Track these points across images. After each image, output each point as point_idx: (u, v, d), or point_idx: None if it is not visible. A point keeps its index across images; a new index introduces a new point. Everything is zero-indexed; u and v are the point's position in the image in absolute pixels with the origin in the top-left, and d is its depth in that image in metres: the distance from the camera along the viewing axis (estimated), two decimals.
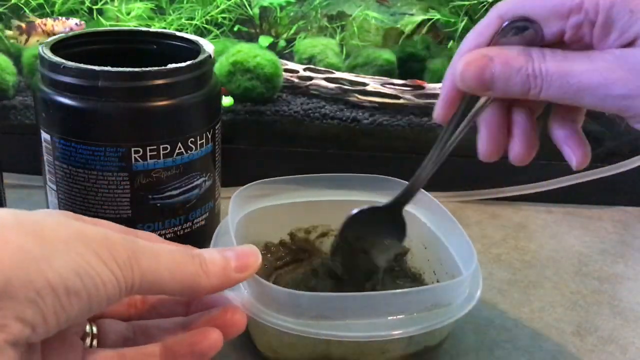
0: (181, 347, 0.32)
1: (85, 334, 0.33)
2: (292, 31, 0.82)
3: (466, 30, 0.73)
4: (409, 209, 0.49)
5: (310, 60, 0.73)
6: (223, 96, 0.66)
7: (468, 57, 0.33)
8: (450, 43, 0.76)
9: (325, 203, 0.50)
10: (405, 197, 0.42)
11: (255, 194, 0.48)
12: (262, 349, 0.41)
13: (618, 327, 0.49)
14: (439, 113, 0.38)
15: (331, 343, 0.38)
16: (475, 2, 0.70)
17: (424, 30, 0.81)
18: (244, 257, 0.33)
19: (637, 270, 0.58)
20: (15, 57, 0.68)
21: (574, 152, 0.35)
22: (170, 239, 0.46)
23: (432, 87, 0.67)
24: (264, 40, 0.78)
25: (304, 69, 0.70)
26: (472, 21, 0.73)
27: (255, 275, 0.35)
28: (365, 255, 0.44)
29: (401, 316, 0.37)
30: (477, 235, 0.62)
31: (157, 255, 0.30)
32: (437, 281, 0.47)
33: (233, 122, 0.65)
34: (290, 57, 0.76)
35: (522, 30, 0.32)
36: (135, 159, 0.44)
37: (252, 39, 0.80)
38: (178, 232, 0.48)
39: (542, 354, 0.46)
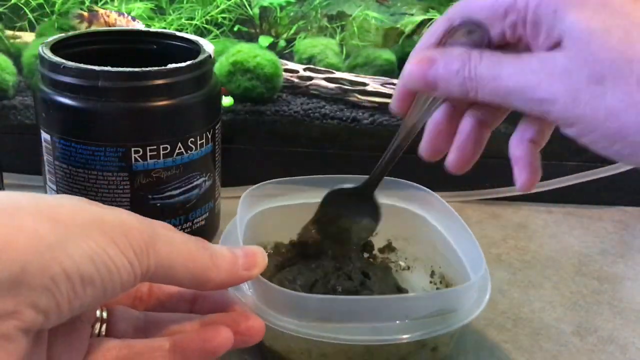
0: (191, 342, 0.32)
1: (95, 319, 0.33)
2: (292, 31, 0.82)
3: None
4: (418, 211, 0.49)
5: (310, 60, 0.74)
6: (223, 96, 0.66)
7: (416, 57, 0.34)
8: None
9: None
10: (372, 182, 0.44)
11: (265, 193, 0.48)
12: (266, 342, 0.41)
13: (618, 327, 0.49)
14: (393, 105, 0.38)
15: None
16: None
17: (424, 30, 0.81)
18: (251, 256, 0.33)
19: (637, 270, 0.58)
20: (15, 57, 0.68)
21: (520, 174, 0.35)
22: None
23: None
24: (264, 40, 0.78)
25: (304, 69, 0.70)
26: None
27: (259, 276, 0.35)
28: (340, 232, 0.45)
29: (407, 321, 0.37)
30: (477, 235, 0.61)
31: (172, 242, 0.29)
32: (442, 280, 0.47)
33: (233, 122, 0.65)
34: (290, 57, 0.76)
35: (471, 33, 0.33)
36: (135, 159, 0.44)
37: (252, 39, 0.80)
38: None
39: (542, 354, 0.46)
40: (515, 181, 0.36)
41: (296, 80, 0.69)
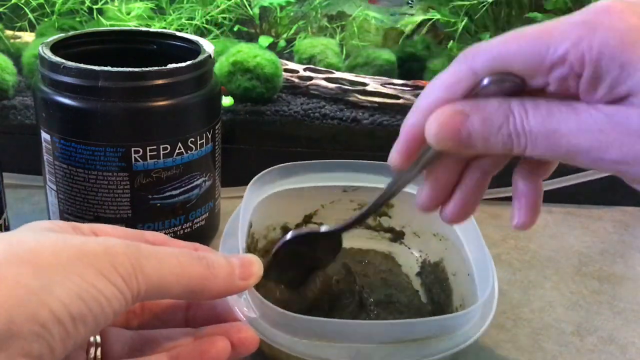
0: (189, 355, 0.31)
1: (89, 344, 0.32)
2: (292, 31, 0.82)
3: (466, 30, 0.73)
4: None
5: (310, 60, 0.73)
6: (223, 96, 0.66)
7: (440, 115, 0.29)
8: (450, 43, 0.76)
9: (341, 188, 0.50)
10: (345, 228, 0.40)
11: (274, 177, 0.48)
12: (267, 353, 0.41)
13: (618, 327, 0.49)
14: (395, 161, 0.33)
15: None
16: (475, 2, 0.70)
17: (424, 30, 0.81)
18: (248, 266, 0.33)
19: (637, 270, 0.58)
20: (15, 57, 0.68)
21: (519, 211, 0.33)
22: None
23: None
24: (264, 40, 0.78)
25: (304, 69, 0.70)
26: (472, 21, 0.73)
27: (254, 290, 0.35)
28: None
29: (401, 344, 0.36)
30: None
31: (161, 259, 0.29)
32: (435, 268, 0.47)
33: (233, 122, 0.65)
34: (290, 57, 0.76)
35: (500, 82, 0.28)
36: (135, 159, 0.44)
37: (252, 39, 0.80)
38: (178, 232, 0.48)
39: (542, 354, 0.46)
40: (512, 218, 0.33)
41: (296, 80, 0.69)
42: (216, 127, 0.49)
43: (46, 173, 0.47)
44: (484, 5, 0.69)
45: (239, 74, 0.65)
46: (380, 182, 0.49)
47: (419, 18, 0.80)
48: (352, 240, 0.51)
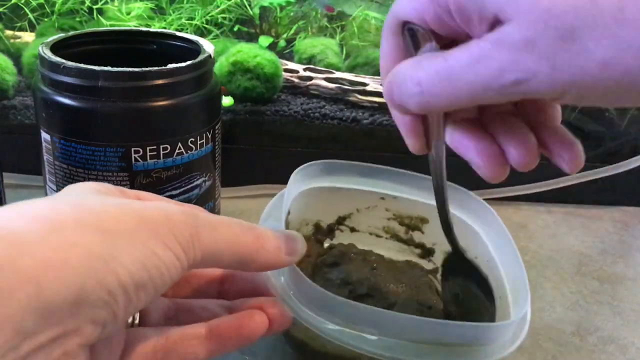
0: (227, 328, 0.31)
1: None
2: (292, 31, 0.82)
3: None
4: (473, 224, 0.46)
5: (310, 60, 0.73)
6: (223, 96, 0.66)
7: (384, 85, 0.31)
8: None
9: (379, 195, 0.50)
10: (451, 239, 0.40)
11: (316, 172, 0.47)
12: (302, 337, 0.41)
13: (618, 327, 0.49)
14: (413, 146, 0.35)
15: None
16: None
17: None
18: (292, 242, 0.33)
19: (637, 270, 0.58)
20: (15, 57, 0.68)
21: (559, 154, 0.31)
22: None
23: None
24: (264, 40, 0.78)
25: (304, 69, 0.70)
26: None
27: (295, 266, 0.34)
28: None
29: (433, 346, 0.35)
30: None
31: (216, 228, 0.29)
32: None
33: (233, 122, 0.65)
34: (290, 57, 0.76)
35: (414, 32, 0.30)
36: (135, 159, 0.44)
37: (252, 39, 0.80)
38: None
39: (542, 354, 0.46)
40: (560, 166, 0.31)
41: (296, 80, 0.69)
42: (216, 127, 0.49)
43: (46, 173, 0.47)
44: None
45: (239, 74, 0.65)
46: (420, 196, 0.48)
47: None
48: (383, 252, 0.51)
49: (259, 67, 0.64)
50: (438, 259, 0.50)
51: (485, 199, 0.46)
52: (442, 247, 0.50)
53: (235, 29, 0.80)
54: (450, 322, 0.36)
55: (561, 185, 0.65)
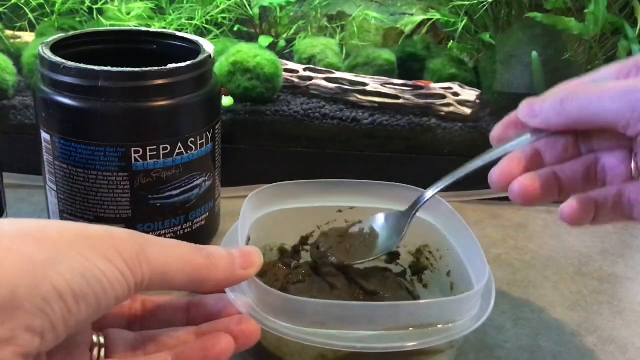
0: (193, 353, 0.31)
1: (92, 344, 0.32)
2: (292, 31, 0.82)
3: (466, 30, 0.73)
4: (424, 216, 0.48)
5: (310, 60, 0.73)
6: (223, 96, 0.66)
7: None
8: (450, 43, 0.76)
9: (336, 209, 0.50)
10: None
11: (271, 195, 0.48)
12: (267, 346, 0.41)
13: (618, 327, 0.49)
14: (495, 133, 0.42)
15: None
16: (475, 2, 0.70)
17: (424, 30, 0.81)
18: (248, 256, 0.33)
19: (637, 270, 0.58)
20: (15, 57, 0.68)
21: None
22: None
23: (433, 87, 0.67)
24: (264, 40, 0.78)
25: (304, 69, 0.70)
26: (472, 21, 0.73)
27: (256, 279, 0.35)
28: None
29: (405, 330, 0.36)
30: (477, 235, 0.61)
31: (165, 247, 0.29)
32: (452, 288, 0.47)
33: (233, 122, 0.65)
34: (290, 57, 0.76)
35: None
36: (135, 159, 0.44)
37: (252, 39, 0.80)
38: (178, 232, 0.48)
39: (542, 354, 0.46)
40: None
41: (296, 80, 0.69)
42: (216, 127, 0.49)
43: (46, 173, 0.47)
44: (484, 5, 0.69)
45: (239, 74, 0.65)
46: (374, 203, 0.49)
47: (419, 18, 0.80)
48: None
49: (259, 67, 0.64)
50: (404, 261, 0.51)
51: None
52: (406, 249, 0.51)
53: (235, 29, 0.80)
54: (419, 301, 0.37)
55: None
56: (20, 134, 0.63)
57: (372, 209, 0.49)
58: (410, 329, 0.37)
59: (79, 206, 0.46)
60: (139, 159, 0.44)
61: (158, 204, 0.46)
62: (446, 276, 0.47)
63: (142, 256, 0.28)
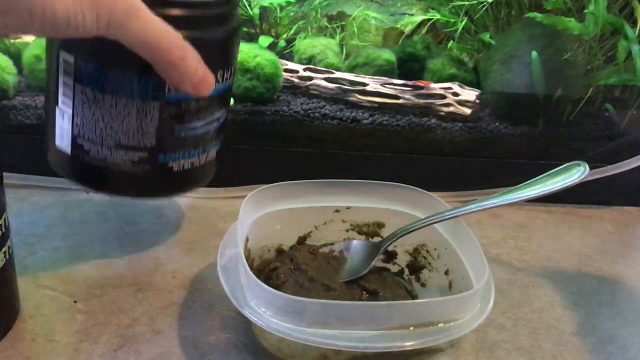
0: None
1: None
2: (292, 31, 0.82)
3: (466, 30, 0.73)
4: (423, 216, 0.48)
5: (310, 60, 0.73)
6: None
7: None
8: (450, 43, 0.76)
9: (333, 209, 0.50)
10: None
11: (269, 196, 0.48)
12: (268, 347, 0.41)
13: (618, 327, 0.49)
14: None
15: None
16: (475, 2, 0.70)
17: (424, 30, 0.81)
18: (208, 77, 0.38)
19: (637, 270, 0.58)
20: (15, 57, 0.68)
21: None
22: (189, 171, 0.46)
23: (433, 87, 0.67)
24: (264, 40, 0.78)
25: (304, 69, 0.70)
26: (472, 21, 0.73)
27: (258, 280, 0.35)
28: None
29: (406, 329, 0.37)
30: (477, 235, 0.61)
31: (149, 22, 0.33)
32: (450, 287, 0.47)
33: (233, 122, 0.65)
34: (290, 57, 0.76)
35: None
36: (169, 89, 0.42)
37: (252, 39, 0.80)
38: (195, 164, 0.47)
39: (542, 354, 0.46)
40: None
41: (296, 80, 0.69)
42: (235, 65, 0.48)
43: (59, 95, 0.44)
44: (484, 5, 0.69)
45: (239, 74, 0.65)
46: (371, 202, 0.50)
47: (419, 18, 0.80)
48: None
49: (259, 67, 0.64)
50: (402, 260, 0.51)
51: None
52: (403, 248, 0.51)
53: None
54: (419, 301, 0.37)
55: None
56: (20, 134, 0.63)
57: (368, 208, 0.49)
58: (411, 328, 0.37)
59: (99, 133, 0.44)
60: (172, 89, 0.42)
61: (182, 135, 0.45)
62: (444, 275, 0.47)
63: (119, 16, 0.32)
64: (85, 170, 0.44)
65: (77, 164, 0.44)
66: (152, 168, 0.44)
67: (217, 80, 0.44)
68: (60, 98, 0.44)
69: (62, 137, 0.45)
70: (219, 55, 0.45)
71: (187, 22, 0.41)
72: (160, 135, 0.44)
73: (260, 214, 0.48)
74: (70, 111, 0.44)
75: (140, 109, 0.43)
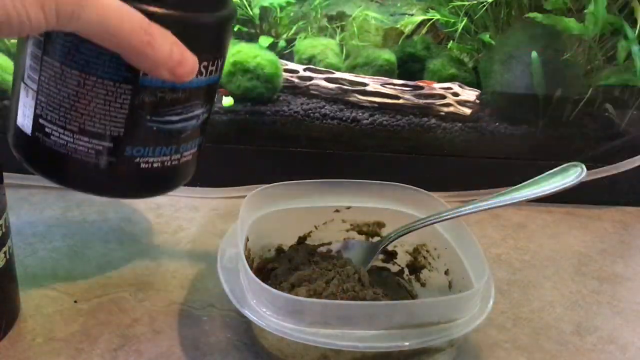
0: None
1: None
2: (292, 31, 0.82)
3: (466, 30, 0.73)
4: (422, 216, 0.49)
5: (310, 60, 0.73)
6: (223, 96, 0.66)
7: None
8: (450, 43, 0.76)
9: (333, 209, 0.50)
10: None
11: (269, 195, 0.48)
12: (268, 347, 0.41)
13: (618, 327, 0.49)
14: None
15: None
16: (475, 2, 0.70)
17: (424, 30, 0.81)
18: (188, 60, 0.35)
19: (637, 270, 0.58)
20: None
21: None
22: (157, 170, 0.42)
23: (433, 87, 0.67)
24: (264, 40, 0.78)
25: (304, 69, 0.70)
26: (472, 21, 0.73)
27: (258, 280, 0.35)
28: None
29: (406, 329, 0.37)
30: (477, 235, 0.61)
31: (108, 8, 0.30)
32: (450, 287, 0.47)
33: (233, 122, 0.65)
34: (290, 57, 0.76)
35: None
36: (144, 72, 0.38)
37: (252, 39, 0.80)
38: (166, 163, 0.43)
39: (542, 354, 0.46)
40: None
41: (296, 80, 0.69)
42: (224, 58, 0.44)
43: (26, 68, 0.40)
44: (484, 5, 0.69)
45: (239, 74, 0.65)
46: (370, 202, 0.50)
47: (419, 18, 0.80)
48: None
49: (259, 67, 0.64)
50: (402, 260, 0.51)
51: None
52: (403, 248, 0.51)
53: (235, 29, 0.80)
54: (420, 300, 0.37)
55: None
56: None
57: (368, 208, 0.50)
58: (411, 328, 0.37)
59: (63, 114, 0.40)
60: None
61: (154, 128, 0.41)
62: (444, 275, 0.47)
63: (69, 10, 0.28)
64: (44, 155, 0.41)
65: (37, 147, 0.41)
66: (117, 162, 0.40)
67: (200, 72, 0.40)
68: (27, 72, 0.41)
69: (25, 115, 0.42)
70: (205, 44, 0.41)
71: (196, 1, 0.39)
72: (130, 124, 0.40)
73: (260, 214, 0.48)
74: (35, 86, 0.40)
75: (110, 91, 0.38)
